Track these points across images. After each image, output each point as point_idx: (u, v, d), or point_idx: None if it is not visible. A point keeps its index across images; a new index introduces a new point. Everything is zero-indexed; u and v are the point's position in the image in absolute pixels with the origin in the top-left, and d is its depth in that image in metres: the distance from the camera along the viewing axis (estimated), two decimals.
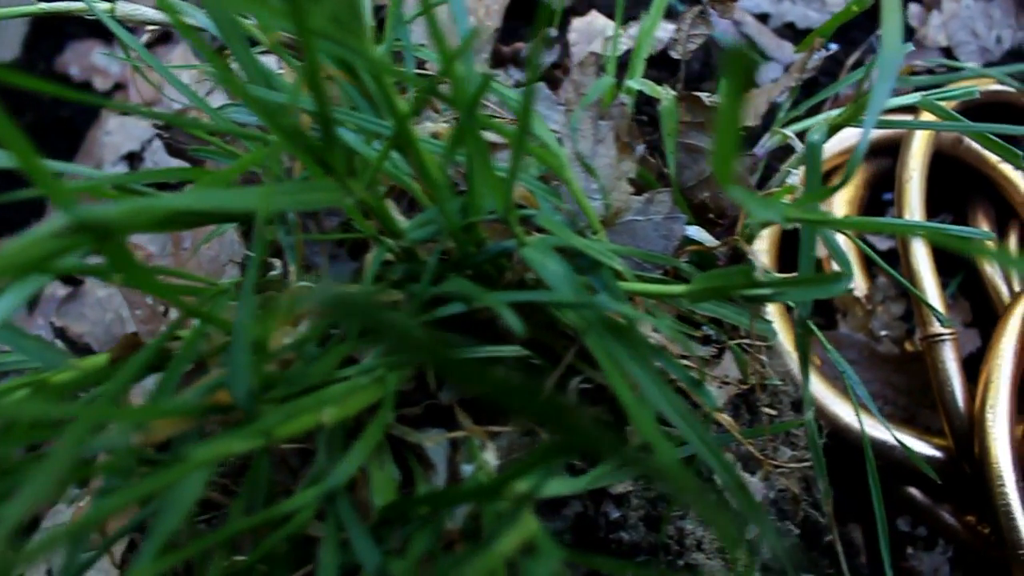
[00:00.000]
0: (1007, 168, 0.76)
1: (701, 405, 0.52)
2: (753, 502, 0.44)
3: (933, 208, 0.82)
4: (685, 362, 0.51)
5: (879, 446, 0.66)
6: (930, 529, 0.69)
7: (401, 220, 0.40)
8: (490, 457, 0.39)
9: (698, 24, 0.51)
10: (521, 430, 0.44)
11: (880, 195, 0.83)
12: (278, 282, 0.44)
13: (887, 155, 0.81)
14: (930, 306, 0.60)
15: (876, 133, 0.79)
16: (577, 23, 0.65)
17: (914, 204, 0.67)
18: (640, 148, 0.47)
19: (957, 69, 0.76)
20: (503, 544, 0.29)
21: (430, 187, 0.36)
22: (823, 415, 0.67)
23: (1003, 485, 0.60)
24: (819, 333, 0.57)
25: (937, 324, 0.65)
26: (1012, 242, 0.75)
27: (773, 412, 0.56)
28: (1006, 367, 0.63)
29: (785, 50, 0.79)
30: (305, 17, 0.27)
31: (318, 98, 0.29)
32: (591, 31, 0.64)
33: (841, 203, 0.77)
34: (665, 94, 0.45)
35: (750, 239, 0.50)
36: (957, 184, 0.79)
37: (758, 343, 0.57)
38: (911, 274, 0.66)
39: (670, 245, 0.47)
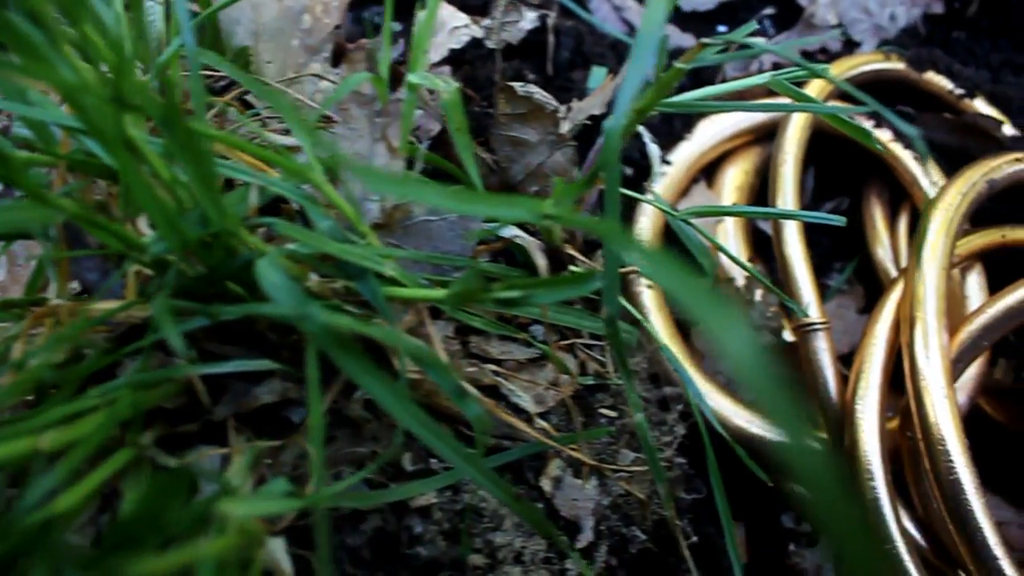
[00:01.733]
0: (897, 148, 0.73)
1: (524, 410, 0.51)
2: (535, 514, 0.42)
3: (829, 191, 0.79)
4: (494, 367, 0.49)
5: (760, 441, 0.64)
6: (814, 525, 0.66)
7: (145, 234, 0.39)
8: (236, 475, 0.38)
9: (510, 12, 0.49)
10: (300, 445, 0.42)
11: None
12: (45, 300, 0.43)
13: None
14: (780, 293, 0.58)
15: (767, 116, 0.76)
16: (422, 16, 0.63)
17: (787, 188, 0.65)
18: (424, 145, 0.45)
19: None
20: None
21: (143, 201, 0.34)
22: (700, 411, 0.65)
23: (871, 479, 0.58)
24: (646, 332, 0.55)
25: (813, 314, 0.63)
26: (903, 224, 0.72)
27: (613, 413, 0.54)
28: (877, 356, 0.61)
29: (670, 35, 0.77)
30: None
31: None
32: (435, 24, 0.62)
33: (730, 190, 0.75)
34: (446, 87, 0.43)
35: (551, 233, 0.48)
36: (854, 166, 0.77)
37: (596, 343, 0.55)
38: (783, 261, 0.64)
39: (468, 244, 0.46)
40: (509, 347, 0.50)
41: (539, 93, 0.50)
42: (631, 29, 0.76)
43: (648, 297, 0.69)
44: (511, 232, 0.47)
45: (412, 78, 0.44)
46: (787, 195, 0.65)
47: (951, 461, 0.56)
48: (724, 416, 0.64)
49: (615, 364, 0.56)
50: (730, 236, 0.72)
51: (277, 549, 0.38)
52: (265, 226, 0.38)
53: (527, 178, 0.53)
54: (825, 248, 0.77)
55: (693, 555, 0.59)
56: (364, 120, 0.43)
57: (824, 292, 0.74)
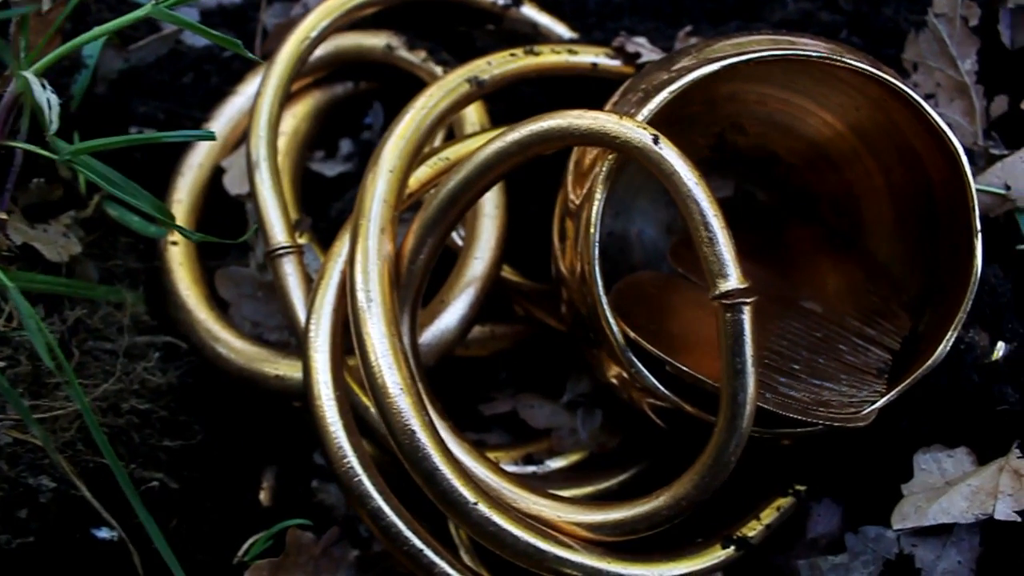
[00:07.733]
0: (432, 67, 0.72)
1: None
2: None
3: None
4: None
5: (259, 377, 0.63)
6: None
7: None
8: None
9: None
10: None
11: (360, 120, 0.79)
12: None
13: (346, 79, 0.78)
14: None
15: (316, 62, 0.74)
16: None
17: (261, 122, 0.64)
18: None
19: None
20: None
21: None
22: (215, 357, 0.64)
23: (319, 398, 0.57)
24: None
25: (279, 238, 0.62)
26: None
27: (3, 364, 0.54)
28: (335, 270, 0.59)
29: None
30: None
31: None
32: None
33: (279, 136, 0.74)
34: None
35: None
36: None
37: None
38: (254, 193, 0.63)
39: None
40: None
41: None
42: None
43: (174, 253, 0.69)
44: None
45: None
46: (261, 127, 0.64)
47: (378, 363, 0.54)
48: (229, 357, 0.64)
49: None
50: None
51: None
52: None
53: None
54: None
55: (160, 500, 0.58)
56: None
57: None
